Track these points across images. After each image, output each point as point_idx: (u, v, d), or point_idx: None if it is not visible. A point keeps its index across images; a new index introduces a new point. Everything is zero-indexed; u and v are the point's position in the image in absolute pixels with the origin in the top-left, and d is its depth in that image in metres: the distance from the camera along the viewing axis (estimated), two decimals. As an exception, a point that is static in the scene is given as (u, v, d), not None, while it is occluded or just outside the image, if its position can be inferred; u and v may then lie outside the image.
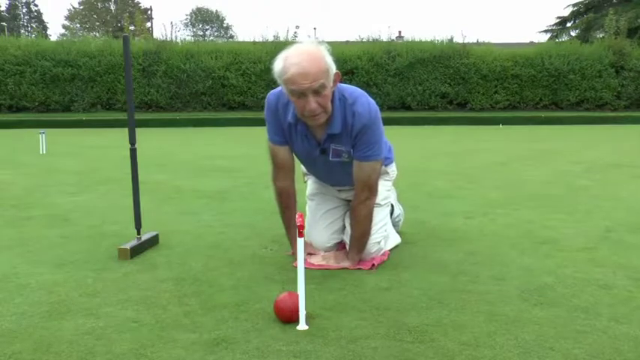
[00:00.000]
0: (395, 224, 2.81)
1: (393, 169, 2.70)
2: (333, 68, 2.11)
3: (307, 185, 2.75)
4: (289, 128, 2.31)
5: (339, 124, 2.21)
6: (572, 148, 7.74)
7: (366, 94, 2.27)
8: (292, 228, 2.41)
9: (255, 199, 3.97)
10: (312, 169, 2.59)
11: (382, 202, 2.56)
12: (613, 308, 1.91)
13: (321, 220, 2.59)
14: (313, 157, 2.39)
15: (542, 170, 5.45)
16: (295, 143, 2.36)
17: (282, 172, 2.41)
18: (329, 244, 2.56)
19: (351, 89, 2.26)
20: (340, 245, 2.59)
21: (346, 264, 2.38)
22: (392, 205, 2.83)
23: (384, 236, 2.52)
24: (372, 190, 2.34)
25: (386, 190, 2.61)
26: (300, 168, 2.70)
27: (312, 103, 2.08)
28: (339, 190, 2.61)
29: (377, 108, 2.27)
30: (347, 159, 2.32)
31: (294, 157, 2.44)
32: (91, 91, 15.43)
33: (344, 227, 2.59)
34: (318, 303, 1.95)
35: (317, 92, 2.07)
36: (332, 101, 2.18)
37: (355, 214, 2.37)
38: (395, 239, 2.68)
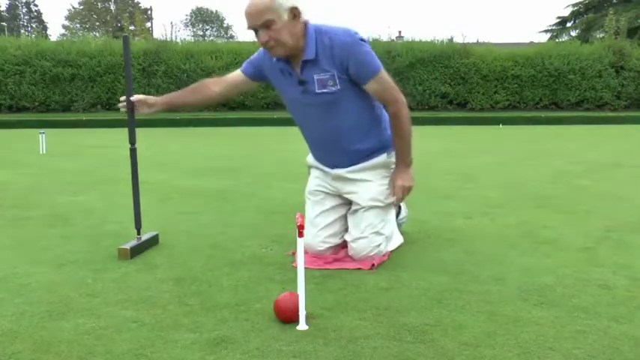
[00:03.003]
0: (398, 225, 2.79)
1: (394, 159, 2.52)
2: (287, 3, 2.20)
3: (308, 181, 2.68)
4: (277, 72, 2.41)
5: (313, 49, 2.28)
6: (572, 148, 7.74)
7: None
8: (178, 97, 2.65)
9: (256, 199, 3.97)
10: (303, 122, 2.51)
11: (385, 201, 2.47)
12: (613, 308, 1.91)
13: (315, 221, 2.54)
14: (298, 99, 2.40)
15: (542, 170, 5.45)
16: (283, 88, 2.44)
17: (221, 79, 2.63)
18: (321, 248, 2.50)
19: (332, 26, 2.36)
20: (338, 247, 2.55)
21: (408, 182, 2.47)
22: (399, 207, 2.81)
23: (386, 237, 2.49)
24: (396, 99, 2.36)
25: (385, 189, 2.49)
26: (306, 160, 2.67)
27: (263, 36, 2.23)
28: (337, 179, 2.50)
29: (358, 32, 2.32)
30: (332, 86, 2.31)
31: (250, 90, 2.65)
32: (91, 91, 15.43)
33: (344, 230, 2.54)
34: (318, 303, 1.95)
35: (267, 26, 2.20)
36: (306, 34, 2.28)
37: (392, 126, 2.43)
38: (398, 240, 2.66)
